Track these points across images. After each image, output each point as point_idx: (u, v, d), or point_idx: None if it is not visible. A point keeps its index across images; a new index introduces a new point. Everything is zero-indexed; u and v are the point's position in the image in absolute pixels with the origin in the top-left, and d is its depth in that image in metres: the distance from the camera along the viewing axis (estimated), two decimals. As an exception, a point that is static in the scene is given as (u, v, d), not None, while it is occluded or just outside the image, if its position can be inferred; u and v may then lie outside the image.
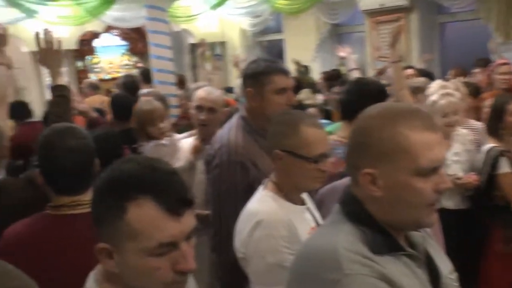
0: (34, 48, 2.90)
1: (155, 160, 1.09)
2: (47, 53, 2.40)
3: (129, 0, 7.18)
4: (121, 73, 9.70)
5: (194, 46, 9.85)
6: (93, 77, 9.11)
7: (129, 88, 4.68)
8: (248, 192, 1.96)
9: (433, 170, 1.12)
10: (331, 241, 1.14)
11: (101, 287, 1.10)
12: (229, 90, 6.66)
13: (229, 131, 2.24)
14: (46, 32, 2.41)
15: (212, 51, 10.25)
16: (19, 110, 4.02)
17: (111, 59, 9.78)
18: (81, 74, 9.08)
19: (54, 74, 2.40)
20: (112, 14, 7.45)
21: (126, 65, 9.96)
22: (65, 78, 2.46)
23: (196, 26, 9.31)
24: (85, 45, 9.09)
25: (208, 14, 9.00)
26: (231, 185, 2.14)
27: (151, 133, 2.77)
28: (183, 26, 9.02)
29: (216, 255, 2.32)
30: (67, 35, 8.24)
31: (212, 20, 9.70)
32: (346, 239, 1.13)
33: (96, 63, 9.62)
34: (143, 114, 2.82)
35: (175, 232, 1.01)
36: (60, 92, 2.35)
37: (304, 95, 5.34)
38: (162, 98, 3.42)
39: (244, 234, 1.76)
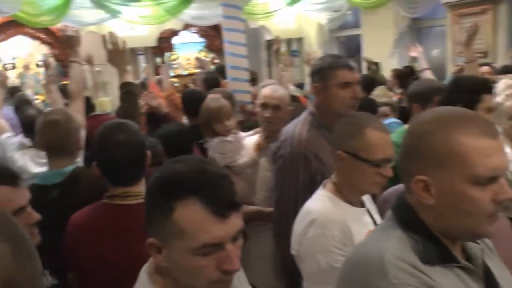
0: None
1: (206, 161, 1.12)
2: (114, 54, 2.60)
3: (209, -2, 7.34)
4: (198, 69, 9.97)
5: (270, 43, 9.91)
6: (170, 73, 9.44)
7: (209, 84, 4.73)
8: (309, 184, 2.03)
9: (492, 179, 1.05)
10: (379, 247, 1.11)
11: (152, 279, 1.14)
12: (300, 86, 6.62)
13: (295, 125, 2.30)
14: (112, 34, 2.60)
15: (288, 47, 10.27)
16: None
17: (189, 55, 10.04)
18: (159, 70, 9.38)
19: (121, 72, 2.58)
20: (190, 12, 7.66)
21: (203, 61, 10.19)
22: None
23: (274, 23, 9.34)
24: (164, 42, 9.41)
25: (285, 11, 8.99)
26: (293, 176, 2.19)
27: (217, 130, 2.81)
28: (261, 23, 9.08)
29: (277, 245, 2.35)
30: (147, 33, 8.60)
31: (289, 16, 9.69)
32: (396, 246, 1.09)
33: (174, 60, 9.92)
34: (210, 111, 2.86)
35: (220, 234, 1.02)
36: (127, 89, 2.52)
37: (379, 91, 5.19)
38: (229, 96, 3.47)
39: (298, 232, 1.78)
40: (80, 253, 1.75)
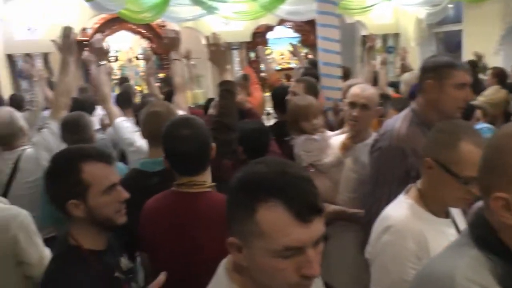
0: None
1: (289, 164, 1.10)
2: (216, 53, 2.73)
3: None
4: (292, 64, 10.00)
5: (365, 39, 9.68)
6: (263, 68, 9.54)
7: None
8: (404, 178, 2.01)
9: None
10: (451, 265, 1.04)
11: (230, 276, 1.16)
12: (394, 85, 6.39)
13: (395, 121, 2.30)
14: (215, 35, 2.75)
15: (384, 43, 9.98)
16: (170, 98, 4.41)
17: (283, 50, 10.08)
18: (253, 65, 9.49)
19: (221, 71, 2.68)
20: (285, 8, 7.68)
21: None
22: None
23: (370, 18, 9.12)
24: (259, 37, 9.52)
25: (383, 5, 8.73)
26: (388, 169, 2.19)
27: (304, 128, 2.78)
28: (357, 17, 8.90)
29: (362, 236, 2.31)
30: (242, 28, 8.76)
31: (386, 11, 9.41)
32: (470, 267, 1.02)
33: (268, 54, 9.98)
34: (297, 109, 2.83)
35: (302, 238, 1.01)
36: (225, 87, 2.59)
37: (490, 91, 4.85)
38: (313, 85, 3.46)
39: (374, 235, 1.74)
40: (152, 236, 1.88)
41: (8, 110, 3.08)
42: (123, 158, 3.39)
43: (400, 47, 9.47)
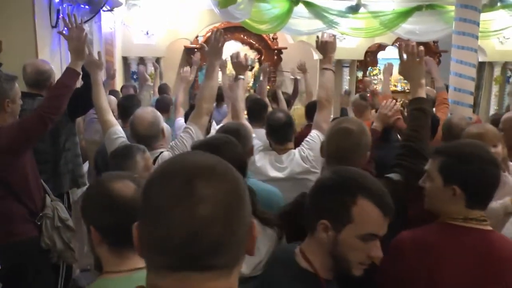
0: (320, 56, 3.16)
1: None
2: (409, 66, 2.35)
3: (427, 13, 6.90)
4: (398, 87, 9.51)
5: (482, 65, 9.04)
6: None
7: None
8: None
9: None
10: None
11: None
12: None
13: None
14: (407, 42, 2.39)
15: (503, 72, 9.27)
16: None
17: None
18: (359, 84, 9.19)
19: (414, 85, 2.33)
20: (405, 27, 7.30)
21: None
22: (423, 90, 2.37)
23: (491, 43, 8.49)
24: (369, 56, 9.16)
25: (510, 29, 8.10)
26: None
27: None
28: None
29: None
30: (354, 46, 8.43)
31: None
32: None
33: (375, 75, 9.59)
34: (470, 136, 2.56)
35: None
36: (418, 105, 2.27)
37: None
38: None
39: None
40: (425, 276, 1.64)
41: (151, 110, 2.98)
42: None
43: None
